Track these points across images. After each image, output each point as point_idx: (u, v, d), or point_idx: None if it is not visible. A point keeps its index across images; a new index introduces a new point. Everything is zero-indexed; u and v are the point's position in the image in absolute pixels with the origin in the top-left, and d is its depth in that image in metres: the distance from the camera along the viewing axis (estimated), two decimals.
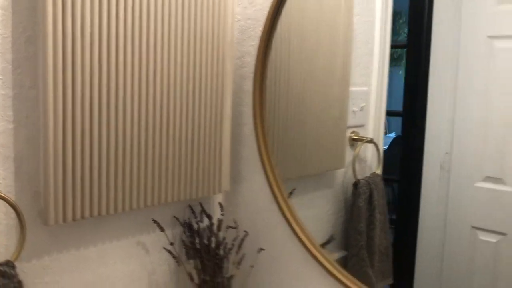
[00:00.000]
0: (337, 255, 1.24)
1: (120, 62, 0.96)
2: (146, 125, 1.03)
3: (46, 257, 0.95)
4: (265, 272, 1.24)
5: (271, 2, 1.12)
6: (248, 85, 1.20)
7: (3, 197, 0.84)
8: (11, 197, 0.87)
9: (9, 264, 0.82)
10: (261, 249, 1.19)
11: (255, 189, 1.25)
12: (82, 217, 0.93)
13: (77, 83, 0.89)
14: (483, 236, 0.98)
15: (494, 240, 0.96)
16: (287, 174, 1.29)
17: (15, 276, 0.82)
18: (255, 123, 1.19)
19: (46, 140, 0.87)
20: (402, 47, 1.19)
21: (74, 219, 0.92)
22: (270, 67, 1.23)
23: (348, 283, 1.10)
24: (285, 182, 1.27)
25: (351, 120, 1.23)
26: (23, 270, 0.88)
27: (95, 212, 0.96)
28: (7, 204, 0.86)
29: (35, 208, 0.92)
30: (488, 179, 0.98)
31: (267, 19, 1.11)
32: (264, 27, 1.12)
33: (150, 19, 1.00)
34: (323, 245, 1.20)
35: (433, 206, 1.08)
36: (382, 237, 1.19)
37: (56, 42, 0.85)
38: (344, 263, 1.20)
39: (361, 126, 1.22)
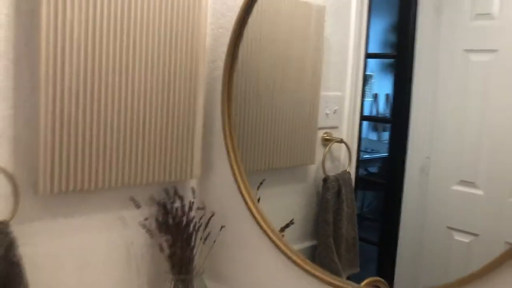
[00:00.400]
0: (306, 244, 1.32)
1: (106, 59, 1.12)
2: (131, 115, 1.19)
3: (36, 222, 1.11)
4: (225, 246, 1.39)
5: (237, 15, 1.27)
6: (220, 86, 1.35)
7: (3, 169, 1.01)
8: (9, 170, 1.03)
9: (4, 222, 0.98)
10: (223, 226, 1.34)
11: (222, 177, 1.39)
12: (69, 189, 1.10)
13: (68, 77, 1.06)
14: (458, 236, 1.03)
15: (467, 240, 1.01)
16: (256, 166, 1.40)
17: (8, 233, 0.98)
18: (223, 119, 1.33)
19: (40, 122, 1.04)
20: (392, 57, 1.28)
21: (62, 190, 1.08)
22: (240, 70, 1.35)
23: (291, 255, 1.23)
24: (254, 173, 1.38)
25: (324, 122, 1.33)
26: (15, 233, 1.01)
27: (82, 186, 1.12)
28: (5, 175, 1.02)
29: (29, 181, 1.08)
30: (462, 182, 1.03)
31: (233, 29, 1.27)
32: (231, 36, 1.28)
33: (132, 25, 1.16)
34: (283, 228, 1.31)
35: (413, 206, 1.13)
36: (350, 228, 1.30)
37: (48, 44, 1.03)
38: (313, 251, 1.29)
39: (335, 127, 1.31)
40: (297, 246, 1.26)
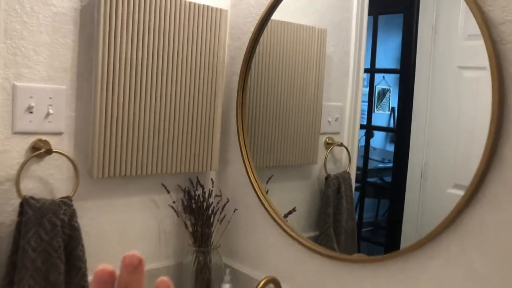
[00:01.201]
0: (310, 234, 1.45)
1: (147, 74, 1.38)
2: (164, 118, 1.44)
3: (89, 201, 1.37)
4: (237, 227, 1.59)
5: (249, 38, 1.51)
6: (235, 95, 1.57)
7: (68, 157, 1.30)
8: (72, 158, 1.31)
9: (68, 197, 1.27)
10: (236, 209, 1.57)
11: (236, 170, 1.59)
12: (116, 175, 1.36)
13: (116, 89, 1.33)
14: None
15: None
16: (266, 162, 1.56)
17: (71, 206, 1.26)
18: (237, 122, 1.55)
19: (95, 122, 1.31)
20: (396, 72, 1.35)
21: (110, 175, 1.35)
22: (252, 81, 1.53)
23: (292, 234, 1.39)
24: (264, 169, 1.54)
25: (327, 128, 1.46)
26: (75, 206, 1.28)
27: (125, 173, 1.38)
28: (69, 162, 1.30)
29: (86, 167, 1.35)
30: (456, 186, 1.10)
31: (247, 49, 1.51)
32: (245, 55, 1.52)
33: (165, 46, 1.42)
34: (286, 214, 1.47)
35: (414, 207, 1.21)
36: (349, 221, 1.42)
37: (103, 67, 1.31)
38: (315, 240, 1.41)
39: (337, 133, 1.44)
40: (303, 238, 1.39)
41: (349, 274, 1.27)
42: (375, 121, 1.41)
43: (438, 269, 1.08)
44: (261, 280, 1.20)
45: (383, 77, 1.37)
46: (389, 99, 1.34)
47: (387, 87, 1.34)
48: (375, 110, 1.39)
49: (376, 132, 1.42)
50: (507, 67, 0.96)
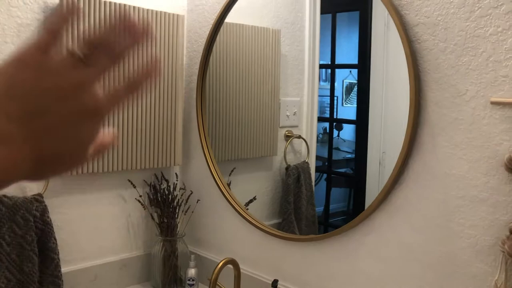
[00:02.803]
0: (273, 221, 1.55)
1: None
2: (129, 118, 1.54)
3: (60, 197, 1.46)
4: (200, 217, 1.71)
5: (205, 41, 1.61)
6: (195, 94, 1.68)
7: None
8: None
9: (40, 194, 1.37)
10: (199, 200, 1.68)
11: (199, 164, 1.70)
12: (83, 172, 1.46)
13: None
14: None
15: None
16: (227, 156, 1.65)
17: (42, 202, 1.36)
18: (197, 119, 1.65)
19: None
20: (354, 67, 1.40)
21: (78, 172, 1.45)
22: (210, 81, 1.62)
23: (250, 219, 1.50)
24: (226, 162, 1.63)
25: (286, 122, 1.53)
26: (46, 202, 1.37)
27: (92, 170, 1.48)
28: None
29: None
30: None
31: (203, 51, 1.62)
32: (202, 56, 1.63)
33: None
34: (247, 203, 1.57)
35: (374, 193, 1.24)
36: (309, 208, 1.52)
37: None
38: (278, 227, 1.51)
39: (295, 126, 1.53)
40: (262, 224, 1.48)
41: (302, 252, 1.40)
42: (344, 114, 1.47)
43: (373, 242, 1.22)
44: (220, 262, 1.32)
45: (350, 71, 1.43)
46: (355, 93, 1.39)
47: (354, 81, 1.39)
48: (344, 103, 1.44)
49: (345, 125, 1.48)
50: (421, 62, 1.10)
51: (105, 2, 1.47)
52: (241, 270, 1.40)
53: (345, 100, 1.43)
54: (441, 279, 1.09)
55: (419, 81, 1.10)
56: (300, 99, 1.51)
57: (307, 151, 1.51)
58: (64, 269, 1.41)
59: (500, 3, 0.97)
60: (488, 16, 0.99)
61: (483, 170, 1.01)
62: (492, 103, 0.98)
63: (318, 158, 1.54)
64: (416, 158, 1.13)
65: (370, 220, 1.22)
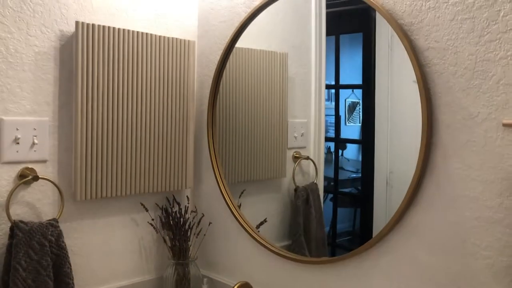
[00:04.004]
0: (283, 243, 1.53)
1: (122, 104, 1.51)
2: (140, 143, 1.56)
3: (74, 222, 1.48)
4: (213, 240, 1.71)
5: (216, 65, 1.64)
6: (206, 118, 1.70)
7: (53, 182, 1.41)
8: (56, 183, 1.42)
9: (55, 219, 1.38)
10: (210, 223, 1.68)
11: (210, 187, 1.71)
12: (97, 197, 1.47)
13: (95, 120, 1.45)
14: None
15: None
16: (237, 178, 1.65)
17: (58, 227, 1.37)
18: (208, 142, 1.66)
19: (77, 150, 1.43)
20: (359, 87, 1.40)
21: (92, 197, 1.46)
22: (220, 104, 1.64)
23: (262, 241, 1.50)
24: (236, 184, 1.63)
25: (293, 143, 1.54)
26: (61, 227, 1.38)
27: (105, 194, 1.49)
28: (54, 187, 1.42)
29: (70, 191, 1.46)
30: None
31: (214, 76, 1.64)
32: (212, 80, 1.65)
33: (139, 77, 1.55)
34: (258, 225, 1.57)
35: (382, 214, 1.27)
36: (319, 229, 1.51)
37: (82, 96, 1.43)
38: (288, 249, 1.49)
39: (303, 147, 1.53)
40: (274, 246, 1.48)
41: (315, 275, 1.40)
42: (347, 134, 1.46)
43: (388, 264, 1.22)
44: (234, 286, 1.32)
45: (352, 91, 1.43)
46: (360, 112, 1.39)
47: (357, 100, 1.40)
48: (347, 123, 1.43)
49: (349, 145, 1.47)
50: (432, 86, 1.12)
51: (118, 30, 1.50)
52: None
53: (348, 119, 1.43)
54: None
55: (431, 104, 1.12)
56: (308, 120, 1.51)
57: (315, 172, 1.51)
58: None
59: (509, 28, 1.00)
60: (497, 41, 1.02)
61: (497, 191, 1.03)
62: (504, 125, 1.00)
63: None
64: (429, 180, 1.14)
65: (384, 242, 1.22)
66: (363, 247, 1.27)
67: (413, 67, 1.13)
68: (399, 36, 1.16)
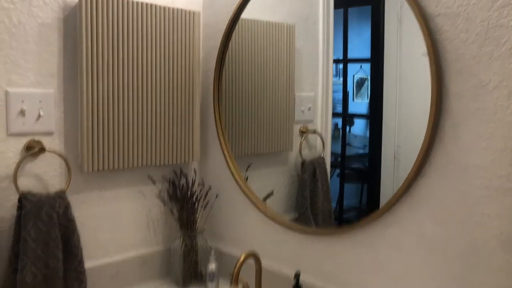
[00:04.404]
0: (290, 216, 1.54)
1: (128, 74, 1.50)
2: (147, 115, 1.55)
3: (82, 194, 1.48)
4: (219, 212, 1.72)
5: (221, 38, 1.62)
6: (212, 89, 1.70)
7: (60, 154, 1.41)
8: (63, 155, 1.43)
9: (63, 191, 1.38)
10: (217, 195, 1.69)
11: (217, 160, 1.72)
12: (104, 169, 1.47)
13: (100, 90, 1.45)
14: None
15: None
16: (244, 151, 1.65)
17: (65, 198, 1.37)
18: (214, 115, 1.66)
19: (83, 122, 1.43)
20: (367, 61, 1.37)
21: (99, 169, 1.46)
22: (226, 77, 1.63)
23: (268, 213, 1.51)
24: (243, 157, 1.63)
25: (300, 117, 1.53)
26: (69, 199, 1.39)
27: (112, 167, 1.49)
28: (61, 159, 1.42)
29: (77, 163, 1.46)
30: None
31: (219, 47, 1.63)
32: (218, 51, 1.64)
33: (144, 48, 1.53)
34: (265, 198, 1.58)
35: (389, 188, 1.26)
36: (325, 203, 1.51)
37: (87, 67, 1.42)
38: (294, 221, 1.51)
39: (310, 121, 1.52)
40: (281, 218, 1.50)
41: (321, 246, 1.41)
42: (355, 110, 1.45)
43: (395, 234, 1.22)
44: (242, 255, 1.33)
45: (361, 66, 1.41)
46: (368, 87, 1.39)
47: (365, 76, 1.39)
48: (354, 99, 1.43)
49: (356, 120, 1.46)
50: (442, 53, 1.09)
51: (122, 0, 1.48)
52: (262, 264, 1.41)
53: (356, 95, 1.43)
54: (465, 270, 1.09)
55: (441, 72, 1.10)
56: (315, 94, 1.50)
57: (322, 146, 1.51)
58: (86, 265, 1.42)
59: None
60: (510, 6, 0.99)
61: (507, 160, 1.01)
62: None
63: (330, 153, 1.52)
64: (438, 150, 1.12)
65: (392, 212, 1.22)
66: (370, 218, 1.27)
67: (423, 34, 1.11)
68: (408, 3, 1.13)
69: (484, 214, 1.05)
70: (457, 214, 1.10)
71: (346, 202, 1.52)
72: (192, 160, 1.72)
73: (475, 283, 1.08)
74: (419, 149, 1.14)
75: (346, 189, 1.52)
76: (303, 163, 1.53)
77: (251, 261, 1.50)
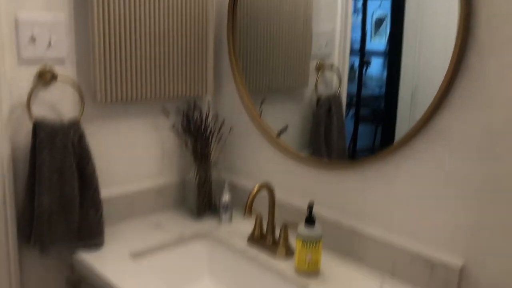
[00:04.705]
0: (304, 153, 1.53)
1: (142, 3, 1.46)
2: (162, 45, 1.52)
3: (96, 124, 1.48)
4: (233, 145, 1.72)
5: None
6: (226, 20, 1.64)
7: (73, 82, 1.40)
8: (76, 84, 1.41)
9: (76, 120, 1.38)
10: (231, 128, 1.69)
11: (231, 94, 1.70)
12: (117, 99, 1.45)
13: (112, 18, 1.41)
14: None
15: None
16: (258, 86, 1.63)
17: (80, 127, 1.36)
18: (228, 48, 1.63)
19: (95, 50, 1.40)
20: None
21: (112, 100, 1.45)
22: (241, 8, 1.58)
23: (282, 147, 1.52)
24: (258, 92, 1.61)
25: (317, 52, 1.49)
26: (83, 130, 1.39)
27: (126, 97, 1.47)
28: (74, 88, 1.40)
29: (90, 92, 1.44)
30: None
31: None
32: None
33: None
34: (279, 133, 1.57)
35: (405, 128, 1.24)
36: (340, 140, 1.50)
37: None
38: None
39: (327, 57, 1.48)
40: (294, 152, 1.51)
41: (335, 177, 1.40)
42: (373, 48, 1.42)
43: (411, 168, 1.20)
44: (255, 186, 1.33)
45: (380, 4, 1.38)
46: (387, 26, 1.36)
47: (384, 14, 1.36)
48: (372, 38, 1.40)
49: (373, 61, 1.43)
50: None
51: None
52: (276, 196, 1.42)
53: (374, 34, 1.39)
54: (482, 204, 1.08)
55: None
56: (333, 30, 1.45)
57: (338, 82, 1.48)
58: (102, 194, 1.44)
59: None
60: None
61: None
62: None
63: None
64: (461, 81, 1.08)
65: (409, 146, 1.20)
66: (386, 151, 1.25)
67: None
68: None
69: (506, 148, 1.02)
70: (478, 148, 1.07)
71: (359, 144, 1.51)
72: (206, 93, 1.69)
73: (492, 215, 1.07)
74: (440, 83, 1.10)
75: (360, 130, 1.50)
76: (318, 99, 1.50)
77: (264, 194, 1.52)
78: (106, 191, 1.52)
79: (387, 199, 1.27)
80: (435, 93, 1.12)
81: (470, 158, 1.09)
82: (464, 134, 1.09)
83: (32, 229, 1.33)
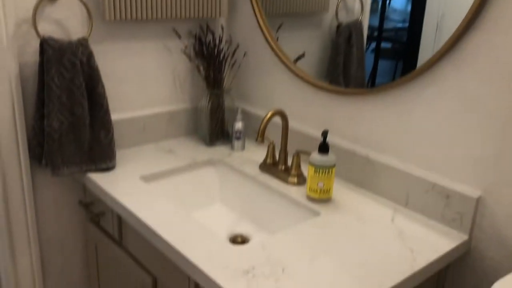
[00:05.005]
0: (322, 81, 1.46)
1: None
2: None
3: (105, 44, 1.43)
4: (247, 71, 1.66)
5: None
6: None
7: None
8: (84, 1, 1.34)
9: (85, 39, 1.32)
10: (245, 53, 1.62)
11: (246, 17, 1.61)
12: (127, 18, 1.39)
13: None
14: None
15: None
16: (276, 9, 1.55)
17: (88, 47, 1.32)
18: None
19: None
20: None
21: (122, 18, 1.39)
22: None
23: (299, 73, 1.45)
24: (274, 16, 1.53)
25: None
26: (91, 48, 1.34)
27: (136, 16, 1.41)
28: (82, 4, 1.34)
29: (99, 10, 1.38)
30: None
31: None
32: None
33: None
34: (296, 60, 1.51)
35: (429, 53, 1.19)
36: (359, 70, 1.43)
37: None
38: None
39: None
40: (311, 78, 1.46)
41: (352, 106, 1.35)
42: None
43: (433, 95, 1.14)
44: (269, 112, 1.29)
45: None
46: None
47: None
48: None
49: None
50: None
51: None
52: (289, 125, 1.38)
53: None
54: (506, 134, 1.03)
55: None
56: None
57: (360, 7, 1.39)
58: (112, 117, 1.42)
59: None
60: None
61: None
62: None
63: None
64: (491, 3, 0.99)
65: (431, 72, 1.13)
66: (406, 78, 1.19)
67: None
68: None
69: None
70: (506, 72, 1.00)
71: (378, 80, 1.43)
72: (220, 16, 1.61)
73: None
74: (471, 4, 1.01)
75: (381, 65, 1.43)
76: (338, 26, 1.43)
77: (278, 122, 1.48)
78: (117, 114, 1.49)
79: (404, 127, 1.22)
80: (464, 16, 1.04)
81: (498, 86, 1.02)
82: (493, 59, 1.02)
83: (43, 149, 1.32)
